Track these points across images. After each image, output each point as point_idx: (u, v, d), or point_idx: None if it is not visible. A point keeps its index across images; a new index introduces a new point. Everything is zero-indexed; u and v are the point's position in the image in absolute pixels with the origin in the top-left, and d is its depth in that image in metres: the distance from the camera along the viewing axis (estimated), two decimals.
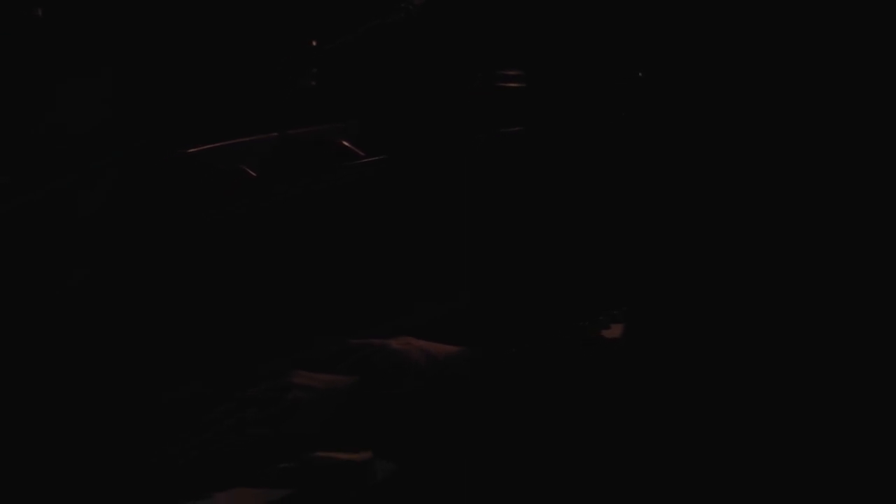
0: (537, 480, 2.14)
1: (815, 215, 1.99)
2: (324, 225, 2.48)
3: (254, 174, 2.44)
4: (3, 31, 2.39)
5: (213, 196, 2.35)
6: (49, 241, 1.97)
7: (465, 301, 2.66)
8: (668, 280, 2.03)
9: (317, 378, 2.18)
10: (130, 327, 2.14)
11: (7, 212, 1.70)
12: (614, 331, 2.40)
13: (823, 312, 1.99)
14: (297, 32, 2.71)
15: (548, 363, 2.14)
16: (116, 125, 2.36)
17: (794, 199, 2.00)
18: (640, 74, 2.28)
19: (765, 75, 2.03)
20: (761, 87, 2.03)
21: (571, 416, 2.09)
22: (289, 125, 2.64)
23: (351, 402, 2.14)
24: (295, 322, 2.39)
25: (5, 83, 2.38)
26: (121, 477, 2.04)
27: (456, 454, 2.14)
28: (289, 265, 2.41)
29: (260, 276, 2.36)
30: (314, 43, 1.93)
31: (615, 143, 2.43)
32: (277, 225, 2.40)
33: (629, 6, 2.33)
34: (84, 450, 2.04)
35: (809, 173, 2.00)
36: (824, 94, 2.00)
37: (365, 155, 2.66)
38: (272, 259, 2.39)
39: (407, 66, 2.86)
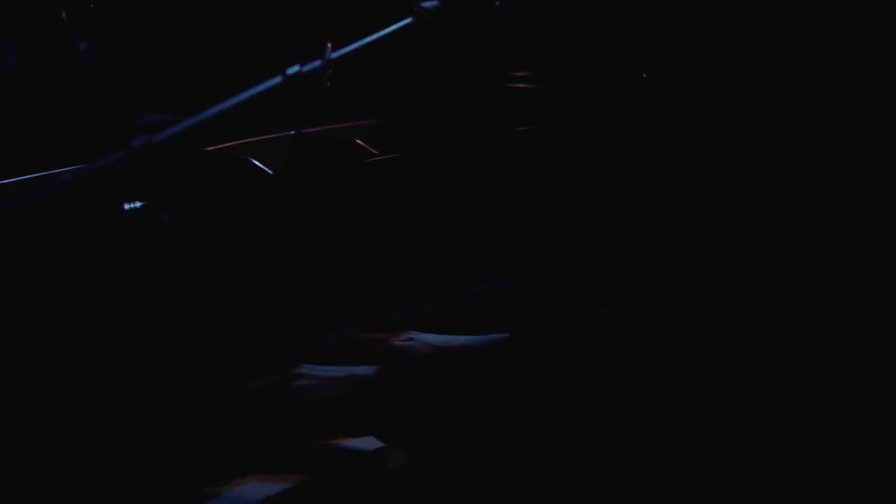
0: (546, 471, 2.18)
1: (820, 212, 2.03)
2: (337, 221, 2.50)
3: (270, 172, 2.48)
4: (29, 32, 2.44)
5: (229, 192, 2.38)
6: (77, 232, 2.00)
7: (472, 294, 2.68)
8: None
9: (322, 371, 2.22)
10: (144, 321, 2.17)
11: (43, 201, 1.74)
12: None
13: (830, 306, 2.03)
14: (313, 34, 2.75)
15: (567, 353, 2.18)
16: (118, 125, 2.38)
17: (800, 195, 2.04)
18: (644, 75, 2.32)
19: (767, 75, 2.06)
20: (765, 86, 2.07)
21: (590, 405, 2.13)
22: (304, 124, 2.66)
23: (359, 392, 2.17)
24: (305, 315, 2.41)
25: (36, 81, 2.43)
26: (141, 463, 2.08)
27: (467, 443, 2.18)
28: (302, 260, 2.43)
29: (274, 271, 2.38)
30: (329, 44, 1.95)
31: (622, 140, 2.46)
32: (292, 221, 2.43)
33: (637, 7, 2.36)
34: (99, 442, 2.08)
35: (814, 170, 2.03)
36: (829, 93, 2.03)
37: (378, 153, 2.69)
38: (286, 254, 2.41)
39: (418, 68, 2.88)
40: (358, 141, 2.68)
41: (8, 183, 2.20)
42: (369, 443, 2.18)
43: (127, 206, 1.96)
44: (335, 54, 1.94)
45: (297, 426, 2.18)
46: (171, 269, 2.21)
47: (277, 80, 1.88)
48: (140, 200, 1.98)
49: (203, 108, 1.85)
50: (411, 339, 2.41)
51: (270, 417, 2.16)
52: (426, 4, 2.04)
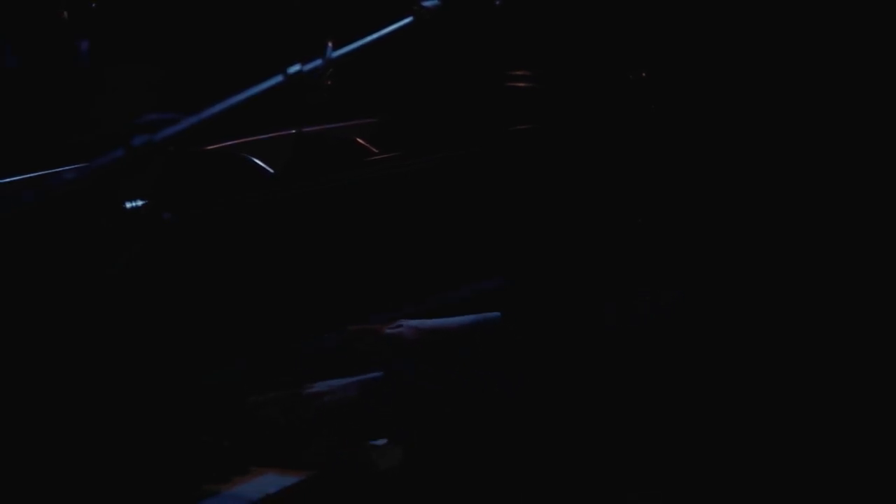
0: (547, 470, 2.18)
1: (820, 213, 2.03)
2: (337, 220, 2.50)
3: (270, 171, 2.48)
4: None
5: (230, 192, 2.38)
6: (74, 233, 2.01)
7: (472, 293, 2.69)
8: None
9: (327, 385, 2.23)
10: (145, 321, 2.17)
11: (43, 202, 1.74)
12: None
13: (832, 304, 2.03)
14: (313, 33, 2.75)
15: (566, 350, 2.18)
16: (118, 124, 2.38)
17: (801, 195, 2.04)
18: (643, 74, 2.32)
19: (767, 75, 2.07)
20: (765, 86, 2.07)
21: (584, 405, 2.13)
22: (304, 124, 2.67)
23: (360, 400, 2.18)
24: (305, 315, 2.41)
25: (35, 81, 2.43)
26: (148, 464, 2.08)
27: (463, 442, 2.18)
28: (302, 259, 2.43)
29: (274, 270, 2.38)
30: (329, 44, 1.95)
31: (622, 140, 2.46)
32: (293, 220, 2.43)
33: (637, 7, 2.36)
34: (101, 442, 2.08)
35: (815, 170, 2.04)
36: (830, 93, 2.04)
37: (379, 152, 2.69)
38: (286, 253, 2.41)
39: (418, 68, 2.88)
40: (358, 140, 2.68)
41: (8, 182, 2.21)
42: (370, 440, 2.18)
43: (128, 205, 1.97)
44: (335, 54, 1.94)
45: (299, 429, 2.18)
46: (171, 268, 2.21)
47: (278, 79, 1.89)
48: (141, 199, 1.98)
49: (203, 108, 1.85)
50: (401, 325, 2.40)
51: (273, 425, 2.17)
52: (426, 4, 2.04)
